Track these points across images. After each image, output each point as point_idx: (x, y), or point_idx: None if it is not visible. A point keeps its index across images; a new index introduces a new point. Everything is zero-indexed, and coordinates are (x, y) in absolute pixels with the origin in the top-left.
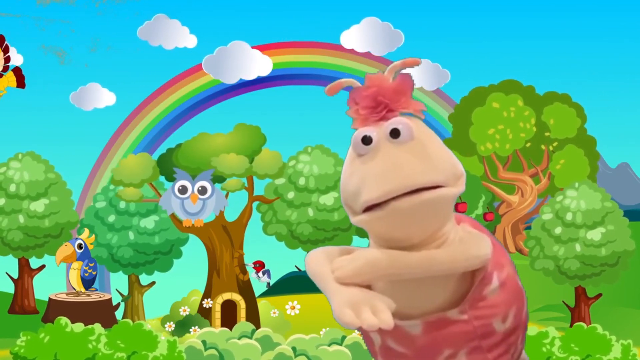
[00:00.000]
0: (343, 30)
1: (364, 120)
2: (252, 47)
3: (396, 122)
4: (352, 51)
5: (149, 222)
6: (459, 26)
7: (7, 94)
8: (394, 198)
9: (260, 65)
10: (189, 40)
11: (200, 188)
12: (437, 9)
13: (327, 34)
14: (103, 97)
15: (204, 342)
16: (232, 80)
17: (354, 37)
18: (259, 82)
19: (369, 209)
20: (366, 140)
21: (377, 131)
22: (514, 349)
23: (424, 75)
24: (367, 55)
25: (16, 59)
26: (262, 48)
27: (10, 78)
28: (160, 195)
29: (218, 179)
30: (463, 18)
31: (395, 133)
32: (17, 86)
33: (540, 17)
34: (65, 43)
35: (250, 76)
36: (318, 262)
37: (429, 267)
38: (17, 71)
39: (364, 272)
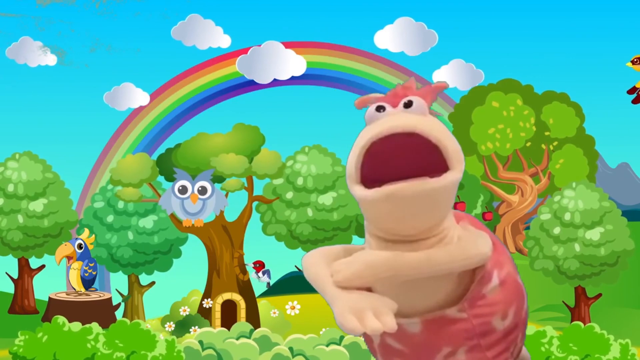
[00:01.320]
0: (377, 31)
1: (382, 99)
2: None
3: (412, 97)
4: (349, 49)
5: (147, 222)
6: (494, 26)
7: (9, 94)
8: (396, 182)
9: (293, 65)
10: (223, 40)
11: (200, 188)
12: (471, 9)
13: (361, 34)
14: (137, 97)
15: (200, 342)
16: (265, 80)
17: (388, 37)
18: (259, 82)
19: (370, 184)
20: (379, 109)
21: (392, 107)
22: (514, 347)
23: (457, 75)
24: (371, 56)
25: (49, 59)
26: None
27: None
28: (159, 195)
29: (218, 179)
30: (498, 18)
31: (409, 103)
32: None
33: (538, 17)
34: (65, 43)
35: (284, 76)
36: (316, 266)
37: (428, 268)
38: None
39: (362, 275)
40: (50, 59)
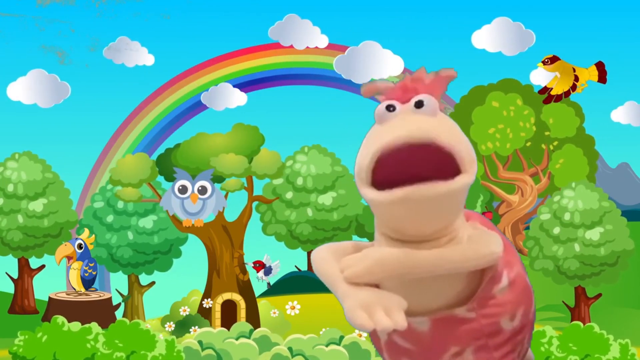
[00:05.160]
0: (474, 30)
1: (391, 94)
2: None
3: (422, 96)
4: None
5: (147, 222)
6: (592, 26)
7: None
8: (406, 186)
9: (391, 65)
10: (320, 41)
11: (200, 188)
12: (569, 8)
13: (458, 33)
14: (234, 97)
15: (200, 342)
16: (362, 80)
17: (485, 37)
18: (258, 82)
19: (381, 187)
20: (390, 108)
21: (402, 104)
22: (521, 348)
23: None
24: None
25: (147, 59)
26: (252, 50)
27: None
28: (159, 195)
29: (217, 179)
30: (595, 18)
31: (419, 103)
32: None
33: (539, 17)
34: (65, 43)
35: (381, 76)
36: (325, 261)
37: (439, 266)
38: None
39: (373, 271)
40: (148, 59)
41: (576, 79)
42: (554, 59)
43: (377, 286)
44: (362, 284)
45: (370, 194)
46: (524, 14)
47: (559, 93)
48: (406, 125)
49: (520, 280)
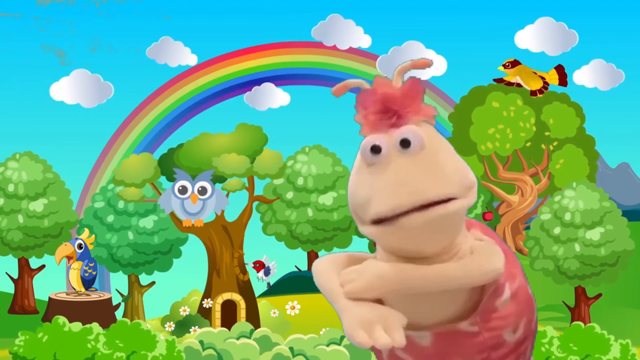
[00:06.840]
0: (517, 30)
1: (373, 126)
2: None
3: (406, 131)
4: (351, 50)
5: (148, 222)
6: (636, 26)
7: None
8: (404, 214)
9: (434, 65)
10: (364, 40)
11: (200, 188)
12: (612, 8)
13: (501, 33)
14: (277, 97)
15: (201, 342)
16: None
17: (528, 37)
18: (260, 82)
19: (378, 222)
20: (375, 150)
21: (387, 140)
22: (523, 358)
23: (598, 76)
24: (373, 56)
25: (190, 59)
26: (249, 50)
27: None
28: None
29: (219, 178)
30: (636, 18)
31: (405, 143)
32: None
33: (582, 17)
34: (65, 43)
35: (425, 77)
36: (326, 275)
37: (441, 283)
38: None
39: (374, 287)
40: (191, 59)
41: (545, 82)
42: (514, 63)
43: (379, 299)
44: (362, 299)
45: (369, 230)
46: (567, 14)
47: (534, 89)
48: (398, 189)
49: (522, 291)
